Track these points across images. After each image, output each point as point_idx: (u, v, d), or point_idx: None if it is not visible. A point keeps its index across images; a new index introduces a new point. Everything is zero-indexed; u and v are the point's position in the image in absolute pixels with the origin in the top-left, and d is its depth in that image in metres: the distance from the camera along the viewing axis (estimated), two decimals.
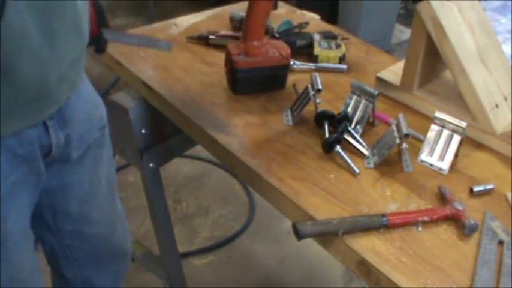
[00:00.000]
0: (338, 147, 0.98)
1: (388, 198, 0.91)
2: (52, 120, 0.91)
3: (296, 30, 1.41)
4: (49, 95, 0.86)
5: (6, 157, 0.85)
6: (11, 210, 0.90)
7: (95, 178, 1.09)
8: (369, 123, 1.08)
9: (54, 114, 0.90)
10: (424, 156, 0.99)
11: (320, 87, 1.05)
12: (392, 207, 0.89)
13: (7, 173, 0.87)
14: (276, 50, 1.15)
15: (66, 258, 1.14)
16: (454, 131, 0.98)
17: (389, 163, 0.97)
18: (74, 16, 0.83)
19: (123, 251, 1.26)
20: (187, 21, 1.47)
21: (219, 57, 1.26)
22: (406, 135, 0.93)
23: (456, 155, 0.98)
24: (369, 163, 0.98)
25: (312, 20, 1.50)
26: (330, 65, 1.28)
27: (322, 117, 1.05)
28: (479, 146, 1.05)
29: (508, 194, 0.92)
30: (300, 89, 1.13)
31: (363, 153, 0.99)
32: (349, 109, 1.07)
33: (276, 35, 1.36)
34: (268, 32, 1.35)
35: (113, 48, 1.26)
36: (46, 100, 0.86)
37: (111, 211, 1.19)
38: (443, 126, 0.99)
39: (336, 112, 1.05)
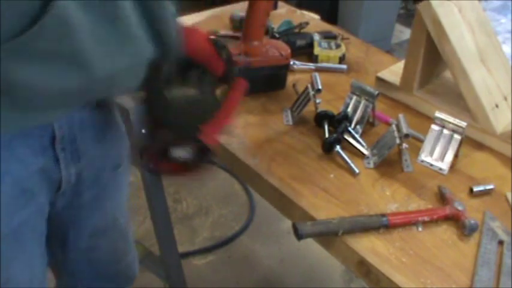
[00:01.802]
0: (338, 147, 0.98)
1: (388, 198, 0.91)
2: (64, 152, 0.78)
3: (296, 30, 1.41)
4: (90, 93, 0.72)
5: (12, 191, 0.73)
6: (15, 256, 0.79)
7: (111, 219, 1.02)
8: (369, 123, 1.08)
9: (67, 146, 0.78)
10: (424, 156, 0.99)
11: (320, 87, 1.05)
12: (392, 207, 0.89)
13: (13, 211, 0.74)
14: (276, 50, 1.15)
15: (69, 274, 1.10)
16: (454, 131, 0.98)
17: (390, 163, 0.97)
18: (125, 19, 0.69)
19: (129, 276, 1.23)
20: (187, 21, 1.46)
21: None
22: (406, 135, 0.93)
23: (456, 155, 0.98)
24: (369, 163, 0.98)
25: (312, 20, 1.50)
26: (330, 65, 1.28)
27: (322, 117, 1.05)
28: (479, 146, 1.05)
29: (508, 194, 0.92)
30: (300, 89, 1.13)
31: (363, 153, 0.99)
32: (349, 109, 1.07)
33: (276, 35, 1.36)
34: (268, 32, 1.35)
35: None
36: (85, 97, 0.73)
37: (122, 243, 1.14)
38: (443, 126, 0.99)
39: (336, 112, 1.05)
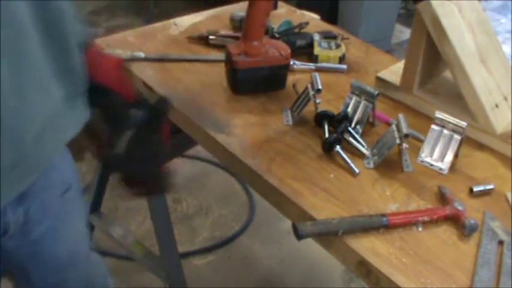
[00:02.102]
0: (338, 147, 0.98)
1: (388, 198, 0.91)
2: None
3: (296, 30, 1.41)
4: (25, 161, 0.68)
5: None
6: None
7: (73, 247, 0.97)
8: (369, 123, 1.08)
9: None
10: (424, 156, 0.99)
11: (320, 87, 1.05)
12: (392, 207, 0.89)
13: None
14: (276, 50, 1.15)
15: None
16: (454, 131, 0.98)
17: (390, 163, 0.97)
18: (35, 65, 0.66)
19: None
20: (187, 21, 1.47)
21: (219, 57, 1.26)
22: (406, 135, 0.93)
23: (456, 155, 0.98)
24: (369, 163, 0.98)
25: (312, 20, 1.50)
26: (330, 65, 1.28)
27: (322, 117, 1.05)
28: (480, 146, 1.05)
29: (508, 194, 0.92)
30: (300, 89, 1.13)
31: (363, 153, 0.99)
32: (349, 109, 1.07)
33: (276, 35, 1.36)
34: (268, 32, 1.35)
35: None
36: (22, 168, 0.69)
37: (98, 271, 1.10)
38: (443, 126, 0.99)
39: (336, 112, 1.05)
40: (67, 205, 0.92)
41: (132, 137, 0.82)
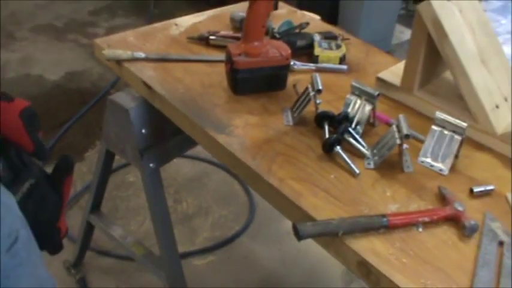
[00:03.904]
0: (338, 148, 0.98)
1: (388, 198, 0.91)
2: None
3: (296, 31, 1.41)
4: None
5: None
6: None
7: None
8: (369, 124, 1.08)
9: None
10: (424, 156, 0.99)
11: (320, 87, 1.05)
12: (392, 208, 0.89)
13: None
14: (276, 50, 1.15)
15: None
16: (454, 131, 0.98)
17: (390, 164, 0.97)
18: None
19: None
20: (187, 21, 1.47)
21: (219, 57, 1.26)
22: (407, 136, 0.93)
23: (456, 156, 0.98)
24: (369, 164, 0.98)
25: (312, 20, 1.50)
26: (330, 65, 1.28)
27: (322, 118, 1.05)
28: (480, 146, 1.04)
29: (508, 195, 0.92)
30: (301, 90, 1.13)
31: (363, 154, 0.99)
32: (350, 110, 1.07)
33: (277, 35, 1.36)
34: (269, 33, 1.35)
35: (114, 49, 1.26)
36: None
37: None
38: (443, 127, 0.99)
39: (336, 113, 1.05)
40: (17, 259, 0.80)
41: (28, 190, 0.79)
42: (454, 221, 0.86)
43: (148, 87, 1.19)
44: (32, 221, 0.79)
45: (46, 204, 0.82)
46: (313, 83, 1.06)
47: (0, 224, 0.74)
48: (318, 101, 1.07)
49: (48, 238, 0.85)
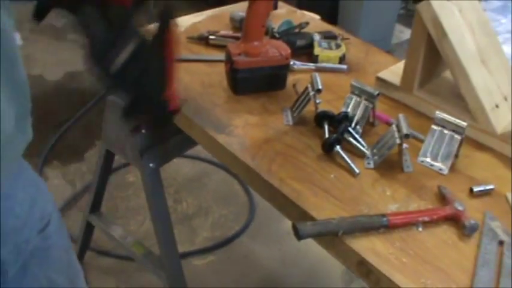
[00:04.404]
0: (338, 148, 0.98)
1: (388, 198, 0.91)
2: None
3: (296, 31, 1.41)
4: None
5: None
6: None
7: (45, 282, 0.86)
8: (369, 124, 1.08)
9: None
10: (424, 156, 0.99)
11: (320, 87, 1.05)
12: (392, 208, 0.89)
13: None
14: (276, 50, 1.15)
15: None
16: (454, 131, 0.98)
17: (390, 163, 0.97)
18: None
19: None
20: (187, 21, 1.47)
21: (219, 57, 1.26)
22: (407, 136, 0.93)
23: (456, 155, 0.98)
24: (369, 163, 0.98)
25: (312, 20, 1.50)
26: (330, 65, 1.28)
27: (322, 118, 1.05)
28: (480, 146, 1.04)
29: (508, 195, 0.92)
30: (300, 89, 1.13)
31: (363, 154, 0.99)
32: (349, 109, 1.07)
33: (276, 35, 1.36)
34: (268, 32, 1.35)
35: None
36: None
37: None
38: (443, 127, 0.99)
39: (336, 112, 1.05)
40: (46, 242, 0.82)
41: (134, 51, 0.72)
42: (454, 220, 0.86)
43: None
44: (135, 88, 0.74)
45: (150, 70, 0.75)
46: (312, 83, 1.06)
47: (31, 207, 0.76)
48: (317, 101, 1.07)
49: (153, 109, 0.78)
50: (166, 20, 0.74)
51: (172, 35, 0.75)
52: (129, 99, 0.76)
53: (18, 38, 0.74)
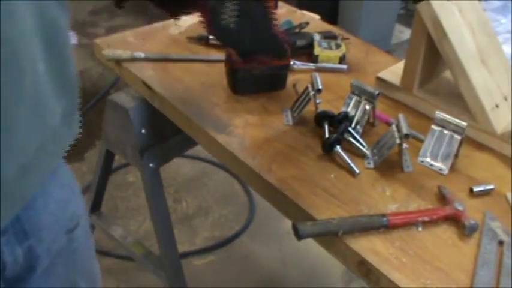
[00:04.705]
0: (338, 148, 0.98)
1: (388, 198, 0.91)
2: (6, 235, 0.68)
3: (296, 30, 1.41)
4: (6, 194, 0.61)
5: None
6: None
7: (67, 284, 0.87)
8: (369, 124, 1.08)
9: (8, 228, 0.67)
10: (424, 156, 0.99)
11: (320, 87, 1.05)
12: (392, 208, 0.89)
13: None
14: None
15: None
16: (454, 131, 0.98)
17: (390, 163, 0.97)
18: (33, 88, 0.61)
19: None
20: (187, 21, 1.47)
21: (219, 57, 1.26)
22: (406, 136, 0.93)
23: (456, 155, 0.98)
24: (369, 163, 0.98)
25: (312, 20, 1.50)
26: (330, 65, 1.28)
27: (322, 118, 1.05)
28: (480, 146, 1.05)
29: (508, 195, 0.92)
30: (300, 89, 1.13)
31: (363, 154, 0.99)
32: (349, 109, 1.07)
33: None
34: None
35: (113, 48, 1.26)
36: (3, 202, 0.62)
37: None
38: (443, 127, 0.99)
39: (336, 112, 1.05)
40: (73, 243, 0.84)
41: (237, 8, 0.86)
42: (454, 220, 0.86)
43: (148, 87, 1.19)
44: (250, 37, 0.88)
45: (257, 16, 0.88)
46: (312, 83, 1.06)
47: (63, 207, 0.77)
48: (317, 101, 1.07)
49: (272, 46, 0.92)
50: None
51: None
52: (245, 45, 0.91)
53: (73, 37, 0.80)
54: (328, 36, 1.38)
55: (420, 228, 0.85)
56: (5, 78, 0.56)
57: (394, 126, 0.97)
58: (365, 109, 1.05)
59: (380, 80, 1.19)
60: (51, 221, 0.75)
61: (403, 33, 3.54)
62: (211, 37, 1.35)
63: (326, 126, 1.03)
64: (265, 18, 0.90)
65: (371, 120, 1.08)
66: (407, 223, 0.85)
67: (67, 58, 0.68)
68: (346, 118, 1.04)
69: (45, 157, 0.67)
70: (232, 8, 0.86)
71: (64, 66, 0.68)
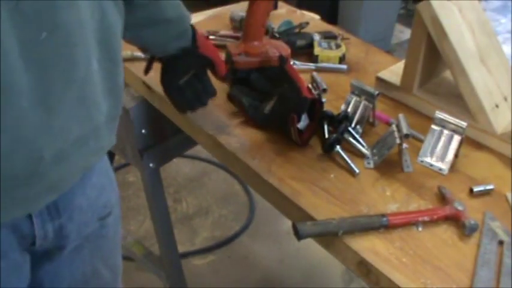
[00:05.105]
0: (338, 147, 0.98)
1: (388, 198, 0.91)
2: (40, 209, 0.72)
3: (296, 30, 1.41)
4: (43, 177, 0.65)
5: None
6: None
7: (90, 269, 0.91)
8: (369, 124, 1.08)
9: None
10: (424, 156, 0.99)
11: (325, 87, 1.05)
12: (392, 207, 0.89)
13: None
14: (276, 50, 1.15)
15: None
16: (454, 131, 0.98)
17: (390, 163, 0.97)
18: (84, 82, 0.64)
19: None
20: None
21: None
22: (406, 136, 0.93)
23: (456, 155, 0.98)
24: (369, 163, 0.98)
25: (312, 20, 1.50)
26: (330, 65, 1.28)
27: (322, 118, 1.05)
28: (479, 146, 1.05)
29: (508, 194, 0.92)
30: None
31: (363, 154, 0.99)
32: (349, 109, 1.07)
33: (276, 35, 1.36)
34: (268, 32, 1.35)
35: None
36: (39, 185, 0.65)
37: None
38: (443, 127, 0.99)
39: (336, 112, 1.05)
40: (103, 230, 0.87)
41: (276, 100, 1.05)
42: (454, 220, 0.86)
43: (148, 87, 1.19)
44: (285, 120, 1.00)
45: (290, 97, 1.04)
46: (313, 83, 1.06)
47: (99, 193, 0.82)
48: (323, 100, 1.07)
49: (303, 108, 1.02)
50: (284, 61, 1.03)
51: (290, 65, 1.04)
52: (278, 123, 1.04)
53: None
54: (328, 36, 1.38)
55: (420, 228, 0.85)
56: (56, 61, 0.59)
57: (394, 126, 0.97)
58: (365, 109, 1.05)
59: (380, 80, 1.19)
60: (85, 205, 0.78)
61: (403, 33, 3.54)
62: (211, 37, 1.35)
63: (326, 126, 1.03)
64: (297, 93, 1.01)
65: (371, 120, 1.08)
66: (407, 223, 0.85)
67: (118, 64, 0.71)
68: (346, 118, 1.04)
69: (85, 152, 0.69)
70: (274, 103, 1.05)
71: (115, 70, 0.71)
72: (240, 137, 1.04)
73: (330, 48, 1.30)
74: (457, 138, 0.97)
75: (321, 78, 1.13)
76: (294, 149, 1.01)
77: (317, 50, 1.29)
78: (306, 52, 1.32)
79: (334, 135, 0.99)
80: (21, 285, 0.78)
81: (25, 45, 0.55)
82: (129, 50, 1.27)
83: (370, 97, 1.05)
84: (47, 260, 0.81)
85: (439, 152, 0.98)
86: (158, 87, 1.17)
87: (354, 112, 1.06)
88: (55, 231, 0.75)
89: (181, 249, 1.74)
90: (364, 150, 1.00)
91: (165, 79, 1.00)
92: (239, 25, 1.41)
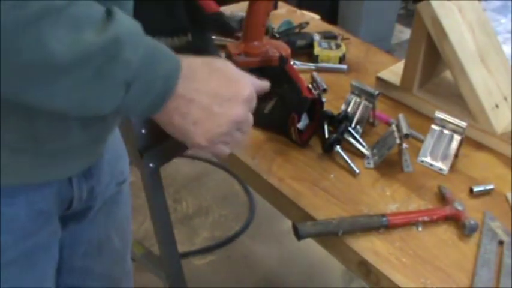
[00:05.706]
0: (338, 147, 0.98)
1: (388, 198, 0.91)
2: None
3: (296, 30, 1.41)
4: (105, 134, 0.75)
5: (28, 215, 0.70)
6: (27, 280, 0.75)
7: (104, 235, 0.95)
8: (369, 123, 1.08)
9: None
10: (424, 156, 0.99)
11: (325, 87, 1.05)
12: (392, 207, 0.89)
13: (29, 234, 0.71)
14: (276, 50, 1.15)
15: None
16: (454, 131, 0.98)
17: (390, 163, 0.97)
18: None
19: None
20: None
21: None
22: (406, 135, 0.93)
23: (456, 155, 0.98)
24: (369, 163, 0.98)
25: (312, 20, 1.50)
26: (330, 65, 1.28)
27: (322, 117, 1.05)
28: (479, 146, 1.05)
29: (508, 194, 0.92)
30: None
31: (363, 153, 0.99)
32: (349, 109, 1.07)
33: (276, 35, 1.36)
34: (268, 32, 1.35)
35: None
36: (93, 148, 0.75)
37: (118, 268, 1.07)
38: (443, 127, 0.99)
39: (336, 112, 1.05)
40: (117, 196, 0.94)
41: (276, 100, 1.04)
42: (454, 220, 0.86)
43: None
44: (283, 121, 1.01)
45: (290, 97, 1.03)
46: (313, 83, 1.06)
47: (117, 160, 0.89)
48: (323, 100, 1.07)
49: (303, 107, 1.02)
50: (285, 61, 1.05)
51: (290, 65, 1.06)
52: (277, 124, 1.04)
53: None
54: (328, 36, 1.38)
55: (420, 228, 0.85)
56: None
57: (394, 126, 0.97)
58: (365, 109, 1.05)
59: (380, 80, 1.19)
60: (107, 169, 0.84)
61: (403, 33, 3.54)
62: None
63: (326, 126, 1.03)
64: (297, 93, 1.01)
65: (371, 120, 1.08)
66: (407, 223, 0.85)
67: None
68: (346, 118, 1.04)
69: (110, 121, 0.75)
70: (274, 103, 1.04)
71: None
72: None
73: (330, 48, 1.30)
74: (457, 138, 0.97)
75: (321, 78, 1.13)
76: (294, 149, 1.01)
77: (317, 50, 1.29)
78: (306, 52, 1.32)
79: (334, 135, 0.99)
80: (55, 255, 0.81)
81: None
82: None
83: (370, 97, 1.05)
84: (72, 221, 0.84)
85: (439, 152, 0.98)
86: None
87: (354, 112, 1.06)
88: (88, 192, 0.80)
89: (181, 249, 1.74)
90: (364, 150, 1.00)
91: None
92: (239, 25, 1.40)
